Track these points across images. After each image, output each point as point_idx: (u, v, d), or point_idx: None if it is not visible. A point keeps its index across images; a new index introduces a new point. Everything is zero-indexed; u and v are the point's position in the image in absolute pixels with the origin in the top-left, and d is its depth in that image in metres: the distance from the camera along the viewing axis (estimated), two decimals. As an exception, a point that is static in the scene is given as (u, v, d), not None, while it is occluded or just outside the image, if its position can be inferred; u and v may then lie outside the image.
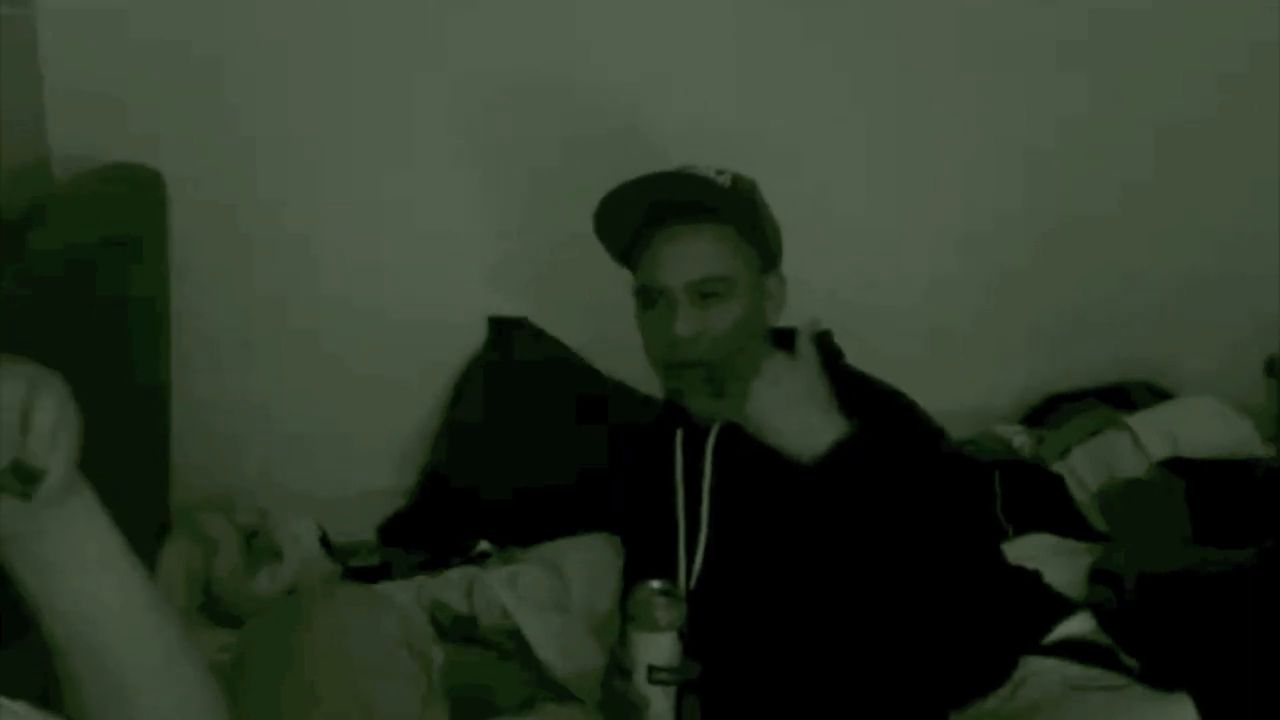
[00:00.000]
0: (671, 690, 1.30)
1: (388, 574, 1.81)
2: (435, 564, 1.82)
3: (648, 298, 1.44)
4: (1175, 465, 1.95)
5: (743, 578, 1.42)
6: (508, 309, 2.07)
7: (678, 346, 1.40)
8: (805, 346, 1.32)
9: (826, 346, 1.49)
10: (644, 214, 1.43)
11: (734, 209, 1.43)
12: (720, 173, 1.44)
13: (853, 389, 1.38)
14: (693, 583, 1.43)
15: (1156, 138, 2.16)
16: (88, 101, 1.84)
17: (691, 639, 1.31)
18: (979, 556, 1.31)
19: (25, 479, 0.74)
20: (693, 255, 1.40)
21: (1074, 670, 1.37)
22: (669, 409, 1.53)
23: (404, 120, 1.98)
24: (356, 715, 1.13)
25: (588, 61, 1.99)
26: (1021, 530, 1.85)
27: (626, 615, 1.32)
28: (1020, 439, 2.12)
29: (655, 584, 1.32)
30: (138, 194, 1.79)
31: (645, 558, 1.52)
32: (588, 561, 1.74)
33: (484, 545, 1.87)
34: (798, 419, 1.26)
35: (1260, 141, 2.16)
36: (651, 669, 1.29)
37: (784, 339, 1.48)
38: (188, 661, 0.85)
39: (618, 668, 1.33)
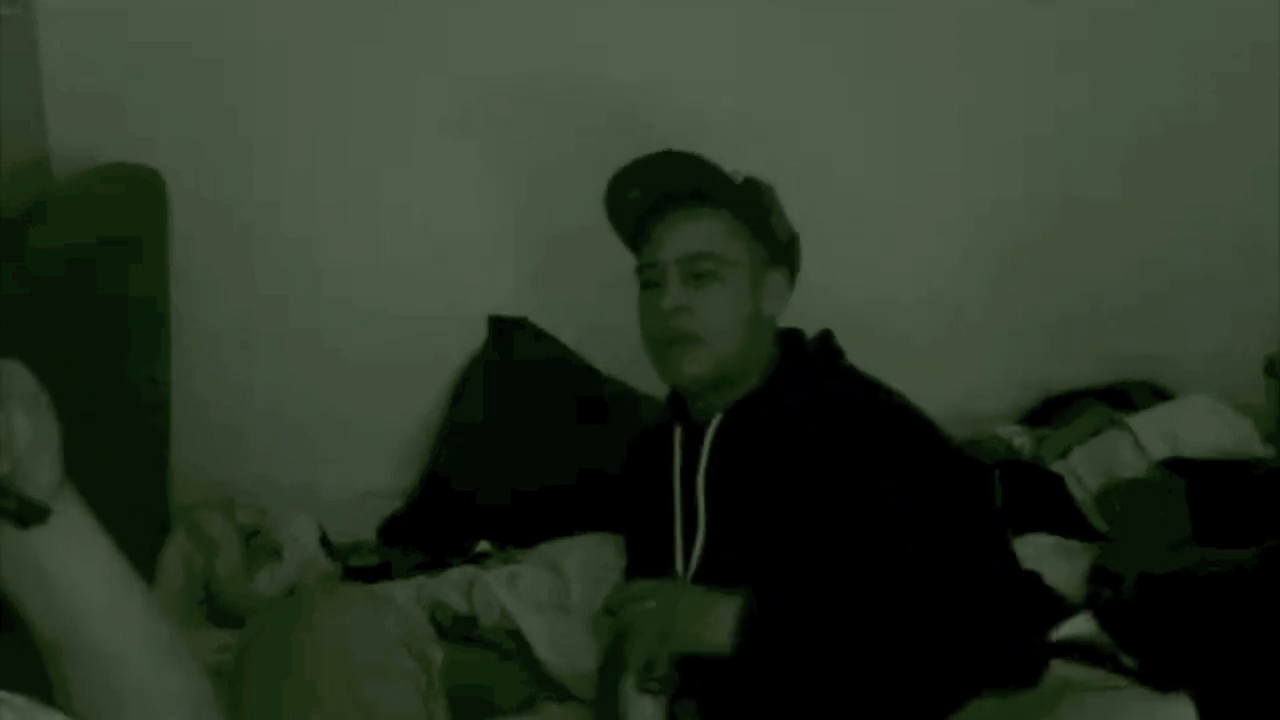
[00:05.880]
0: (662, 700, 1.31)
1: (388, 574, 1.81)
2: (435, 564, 1.82)
3: (647, 278, 1.45)
4: (1175, 465, 1.94)
5: (739, 572, 1.41)
6: (508, 308, 2.06)
7: (665, 319, 1.41)
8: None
9: (827, 347, 1.49)
10: (650, 205, 1.45)
11: (736, 195, 1.44)
12: (734, 173, 1.45)
13: (847, 394, 1.38)
14: (689, 577, 1.43)
15: (1156, 139, 2.16)
16: (87, 101, 1.84)
17: None
18: (964, 583, 1.30)
19: (25, 508, 0.74)
20: (687, 233, 1.42)
21: (1074, 671, 1.37)
22: (670, 407, 1.54)
23: (404, 120, 1.98)
24: (356, 716, 1.13)
25: (588, 62, 1.99)
26: (1021, 530, 1.85)
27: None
28: (1020, 439, 2.11)
29: None
30: (137, 193, 1.79)
31: (646, 556, 1.52)
32: (588, 561, 1.73)
33: (484, 545, 1.87)
34: (698, 622, 1.28)
35: (1261, 143, 2.15)
36: (642, 677, 1.29)
37: (791, 339, 1.49)
38: (179, 662, 0.85)
39: (610, 674, 1.33)
